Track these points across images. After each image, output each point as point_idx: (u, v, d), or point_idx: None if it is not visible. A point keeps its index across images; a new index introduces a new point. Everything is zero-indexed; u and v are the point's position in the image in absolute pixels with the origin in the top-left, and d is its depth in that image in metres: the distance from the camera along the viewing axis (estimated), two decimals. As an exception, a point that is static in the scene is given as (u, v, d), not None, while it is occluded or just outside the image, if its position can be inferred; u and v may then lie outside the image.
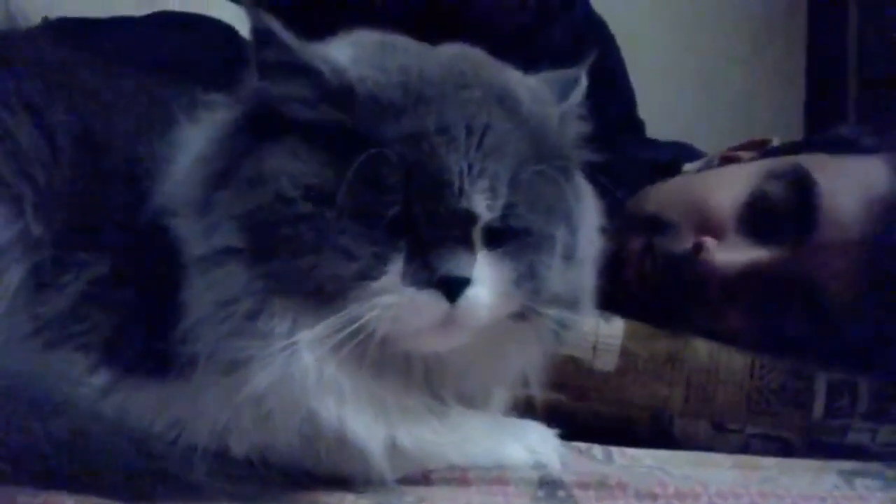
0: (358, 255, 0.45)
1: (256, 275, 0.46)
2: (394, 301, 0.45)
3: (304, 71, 0.46)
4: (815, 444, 0.71)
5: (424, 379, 0.51)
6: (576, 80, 0.54)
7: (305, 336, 0.45)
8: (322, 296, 0.46)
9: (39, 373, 0.46)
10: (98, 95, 0.55)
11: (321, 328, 0.45)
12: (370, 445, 0.48)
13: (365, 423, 0.47)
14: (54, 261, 0.49)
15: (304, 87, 0.46)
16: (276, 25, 0.47)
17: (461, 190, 0.45)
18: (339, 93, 0.46)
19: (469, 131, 0.45)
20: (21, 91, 0.52)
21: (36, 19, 0.87)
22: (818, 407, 0.71)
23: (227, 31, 0.91)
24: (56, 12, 0.91)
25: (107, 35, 0.88)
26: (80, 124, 0.53)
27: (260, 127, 0.48)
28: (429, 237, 0.45)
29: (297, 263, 0.45)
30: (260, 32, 0.47)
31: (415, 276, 0.45)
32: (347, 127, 0.46)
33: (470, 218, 0.46)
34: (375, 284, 0.45)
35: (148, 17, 0.94)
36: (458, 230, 0.46)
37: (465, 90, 0.47)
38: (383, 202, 0.45)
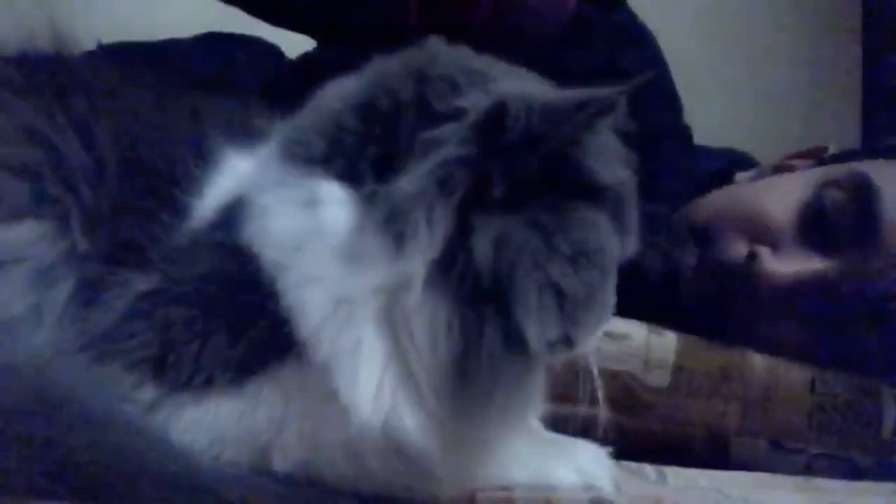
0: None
1: None
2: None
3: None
4: (886, 466, 0.67)
5: None
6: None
7: None
8: None
9: (86, 387, 0.47)
10: (146, 116, 0.56)
11: None
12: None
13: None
14: (101, 277, 0.50)
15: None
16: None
17: None
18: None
19: None
20: (69, 111, 0.53)
21: (89, 44, 0.90)
22: (888, 424, 0.68)
23: (272, 50, 0.92)
24: (113, 37, 0.94)
25: (157, 57, 0.90)
26: (126, 143, 0.53)
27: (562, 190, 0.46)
28: None
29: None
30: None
31: None
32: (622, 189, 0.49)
33: None
34: None
35: (196, 38, 0.97)
36: None
37: None
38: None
